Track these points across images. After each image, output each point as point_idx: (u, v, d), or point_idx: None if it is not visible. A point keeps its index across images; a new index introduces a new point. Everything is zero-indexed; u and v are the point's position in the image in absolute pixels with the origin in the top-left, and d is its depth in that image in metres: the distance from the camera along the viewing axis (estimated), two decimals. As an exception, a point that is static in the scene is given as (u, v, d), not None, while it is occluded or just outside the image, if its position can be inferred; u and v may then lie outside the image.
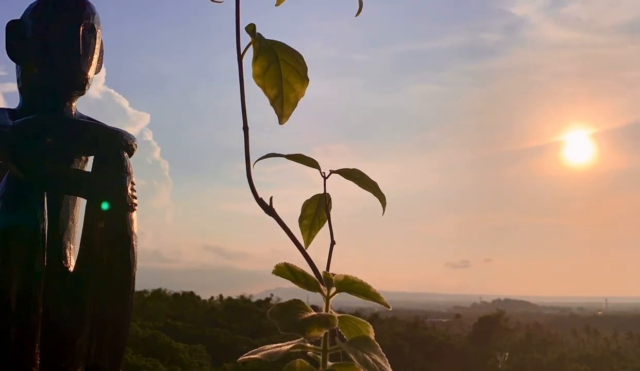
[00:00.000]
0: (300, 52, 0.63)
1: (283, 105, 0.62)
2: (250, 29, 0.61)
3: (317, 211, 0.72)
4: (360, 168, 0.68)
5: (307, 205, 0.72)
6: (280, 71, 0.62)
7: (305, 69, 0.63)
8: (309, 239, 0.73)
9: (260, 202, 0.61)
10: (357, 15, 0.65)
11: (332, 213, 0.70)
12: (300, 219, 0.72)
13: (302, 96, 0.63)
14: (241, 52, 0.61)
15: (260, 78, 0.62)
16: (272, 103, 0.62)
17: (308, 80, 0.63)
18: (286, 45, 0.63)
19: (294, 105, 0.63)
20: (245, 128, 0.60)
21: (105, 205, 1.31)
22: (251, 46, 0.61)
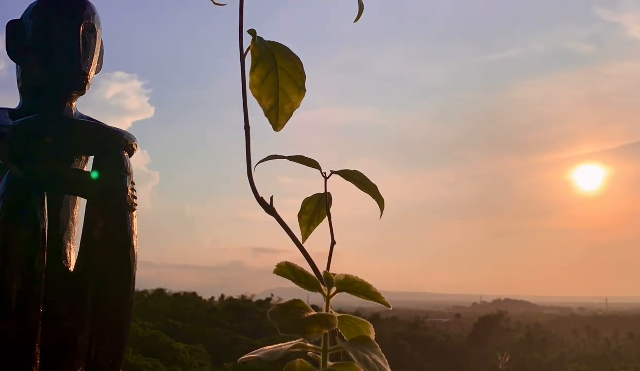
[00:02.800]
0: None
1: (278, 116, 0.62)
2: (252, 33, 0.61)
3: (316, 208, 0.72)
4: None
5: (307, 202, 0.73)
6: (277, 80, 0.61)
7: (303, 77, 0.62)
8: (306, 233, 0.73)
9: (260, 201, 0.61)
10: (356, 20, 0.65)
11: (332, 212, 0.70)
12: (300, 214, 0.73)
13: (298, 107, 0.62)
14: (243, 51, 0.61)
15: (257, 88, 0.61)
16: (266, 114, 0.61)
17: (305, 90, 0.62)
18: (287, 48, 0.62)
19: (289, 115, 0.62)
20: (247, 128, 0.60)
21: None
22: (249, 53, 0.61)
